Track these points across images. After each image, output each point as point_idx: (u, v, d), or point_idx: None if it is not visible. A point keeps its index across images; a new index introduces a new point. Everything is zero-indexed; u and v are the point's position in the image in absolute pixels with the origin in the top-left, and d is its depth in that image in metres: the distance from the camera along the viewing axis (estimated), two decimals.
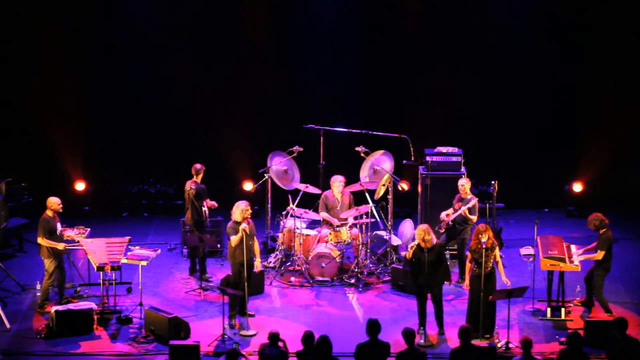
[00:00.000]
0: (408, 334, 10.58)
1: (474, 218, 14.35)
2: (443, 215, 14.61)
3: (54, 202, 13.59)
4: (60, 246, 13.45)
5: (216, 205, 15.01)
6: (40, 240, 13.39)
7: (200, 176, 14.92)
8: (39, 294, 14.04)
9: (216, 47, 18.83)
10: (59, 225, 13.57)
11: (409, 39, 18.55)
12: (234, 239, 12.79)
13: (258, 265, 13.15)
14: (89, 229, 14.23)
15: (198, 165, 14.94)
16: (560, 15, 18.51)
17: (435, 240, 12.62)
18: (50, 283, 13.57)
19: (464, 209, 14.27)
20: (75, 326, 12.68)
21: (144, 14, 18.64)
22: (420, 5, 18.63)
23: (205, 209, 14.86)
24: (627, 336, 10.83)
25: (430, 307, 12.70)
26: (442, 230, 14.45)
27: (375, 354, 10.64)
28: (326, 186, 15.69)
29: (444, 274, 12.64)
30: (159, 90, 18.91)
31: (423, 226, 12.62)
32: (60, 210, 13.64)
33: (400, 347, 10.77)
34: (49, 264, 13.48)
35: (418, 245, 12.50)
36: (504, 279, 12.71)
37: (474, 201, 14.32)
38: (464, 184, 14.45)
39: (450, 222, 14.45)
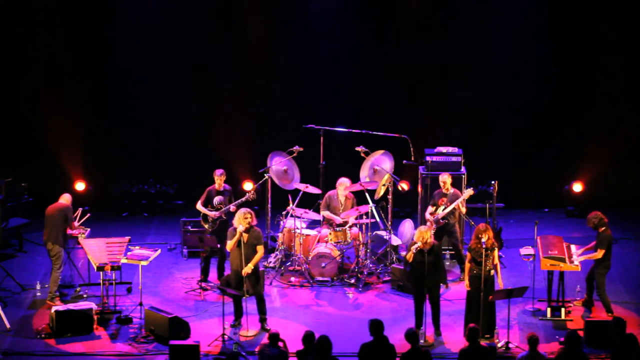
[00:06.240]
0: (411, 335, 10.55)
1: (465, 209, 14.72)
2: (428, 215, 14.68)
3: (68, 196, 14.02)
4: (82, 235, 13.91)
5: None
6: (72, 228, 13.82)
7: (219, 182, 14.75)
8: (39, 294, 14.07)
9: (216, 46, 18.82)
10: None
11: (409, 38, 18.54)
12: (229, 244, 12.79)
13: (246, 270, 12.59)
14: (89, 229, 14.22)
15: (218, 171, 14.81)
16: (561, 14, 18.51)
17: (432, 241, 12.65)
18: (60, 272, 13.72)
19: (457, 203, 14.53)
20: (75, 326, 12.67)
21: (145, 13, 18.64)
22: (420, 5, 18.64)
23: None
24: (627, 334, 10.86)
25: (427, 308, 12.63)
26: (433, 230, 14.50)
27: (381, 355, 10.60)
28: (326, 186, 15.67)
29: (441, 275, 12.66)
30: (159, 90, 18.92)
31: (423, 227, 12.63)
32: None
33: (401, 348, 10.75)
34: (58, 251, 13.64)
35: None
36: (499, 282, 12.70)
37: (467, 193, 14.58)
38: (445, 180, 14.76)
39: (441, 221, 14.54)
